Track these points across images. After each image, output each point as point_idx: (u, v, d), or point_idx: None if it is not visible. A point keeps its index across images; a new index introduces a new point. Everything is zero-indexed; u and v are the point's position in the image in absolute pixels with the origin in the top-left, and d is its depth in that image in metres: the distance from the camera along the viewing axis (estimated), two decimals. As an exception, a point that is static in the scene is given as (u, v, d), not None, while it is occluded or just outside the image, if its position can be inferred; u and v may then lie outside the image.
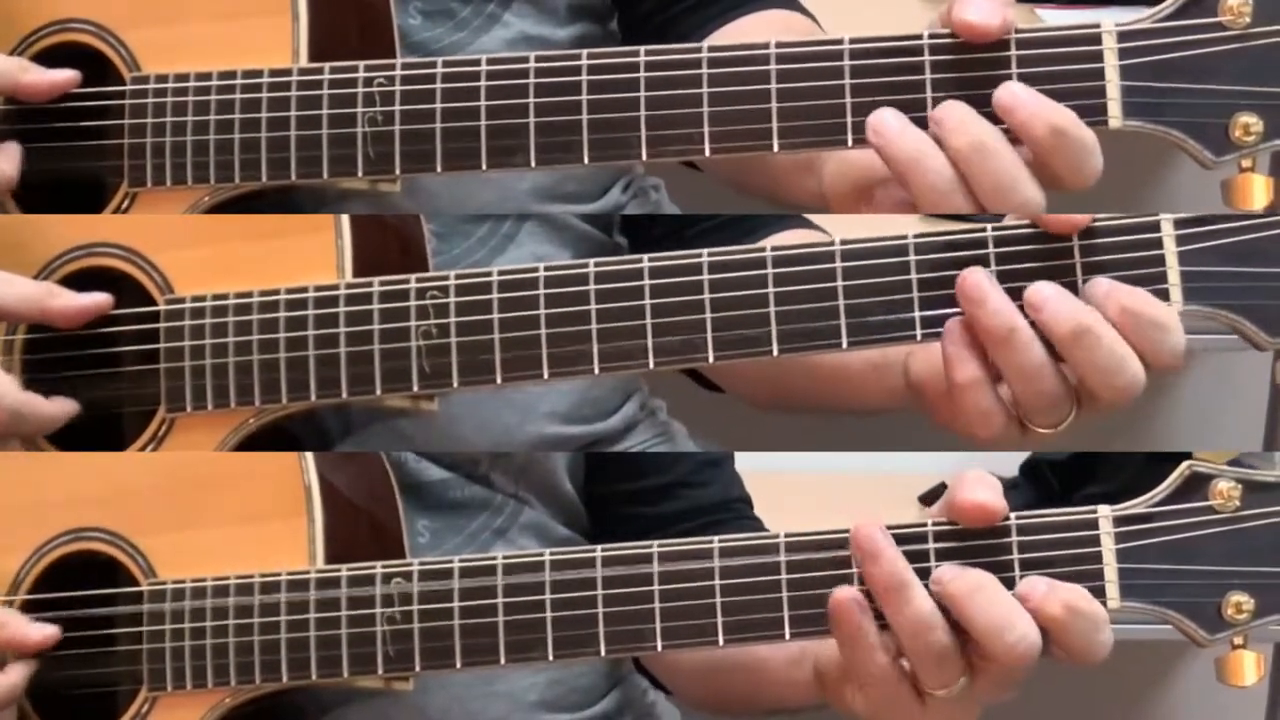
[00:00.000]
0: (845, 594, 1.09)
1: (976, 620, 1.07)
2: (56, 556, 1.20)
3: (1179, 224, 1.10)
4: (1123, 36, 1.10)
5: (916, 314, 1.11)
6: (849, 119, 1.12)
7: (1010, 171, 1.09)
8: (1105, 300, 1.08)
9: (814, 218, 1.33)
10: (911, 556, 1.09)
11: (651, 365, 1.13)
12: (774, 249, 1.12)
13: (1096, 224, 1.10)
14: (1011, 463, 2.14)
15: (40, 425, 1.18)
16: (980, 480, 1.09)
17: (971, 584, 1.07)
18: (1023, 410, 1.10)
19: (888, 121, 1.10)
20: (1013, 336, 1.08)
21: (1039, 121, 1.08)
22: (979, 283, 1.09)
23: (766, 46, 1.13)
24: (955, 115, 1.10)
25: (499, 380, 1.14)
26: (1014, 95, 1.09)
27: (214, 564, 1.17)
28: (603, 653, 1.12)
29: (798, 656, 1.19)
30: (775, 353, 1.12)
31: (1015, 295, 1.09)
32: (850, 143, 1.12)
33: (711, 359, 1.12)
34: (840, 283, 1.11)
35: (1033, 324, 1.08)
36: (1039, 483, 2.13)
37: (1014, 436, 1.11)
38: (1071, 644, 1.07)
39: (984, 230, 1.11)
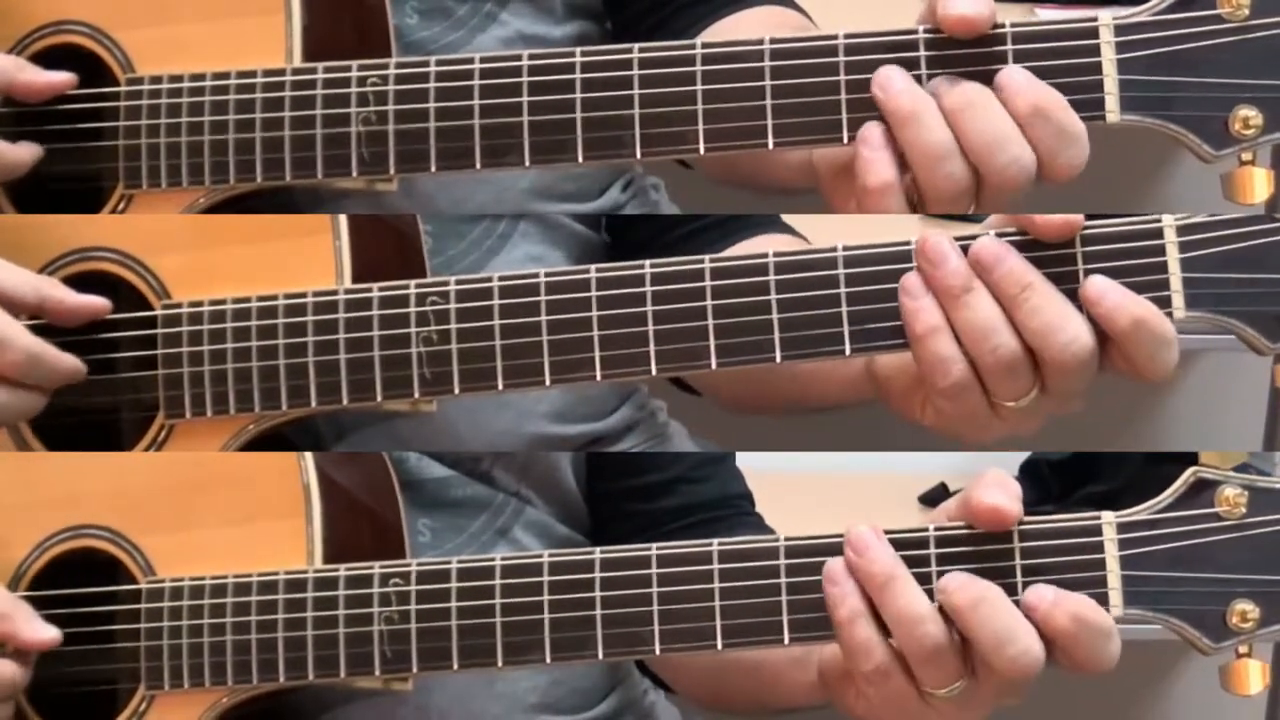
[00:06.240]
0: (835, 562, 1.09)
1: (979, 632, 1.06)
2: (56, 553, 1.20)
3: (1181, 230, 1.09)
4: (1120, 30, 1.10)
5: None
6: (844, 115, 1.11)
7: (1000, 126, 1.08)
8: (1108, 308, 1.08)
9: (794, 223, 1.32)
10: (912, 562, 1.08)
11: (654, 372, 1.12)
12: (777, 255, 1.11)
13: (1098, 230, 1.10)
14: (1011, 463, 2.13)
15: (54, 373, 1.16)
16: (998, 483, 1.08)
17: (975, 596, 1.07)
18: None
19: (891, 76, 1.10)
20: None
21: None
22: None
23: (760, 43, 1.12)
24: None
25: (500, 387, 1.14)
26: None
27: (212, 563, 1.17)
28: (600, 655, 1.12)
29: (800, 657, 1.18)
30: (778, 359, 1.11)
31: None
32: (845, 140, 1.11)
33: (715, 365, 1.12)
34: (844, 289, 1.11)
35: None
36: (1038, 483, 2.13)
37: (984, 415, 1.10)
38: (1078, 655, 1.07)
39: (986, 235, 1.10)
